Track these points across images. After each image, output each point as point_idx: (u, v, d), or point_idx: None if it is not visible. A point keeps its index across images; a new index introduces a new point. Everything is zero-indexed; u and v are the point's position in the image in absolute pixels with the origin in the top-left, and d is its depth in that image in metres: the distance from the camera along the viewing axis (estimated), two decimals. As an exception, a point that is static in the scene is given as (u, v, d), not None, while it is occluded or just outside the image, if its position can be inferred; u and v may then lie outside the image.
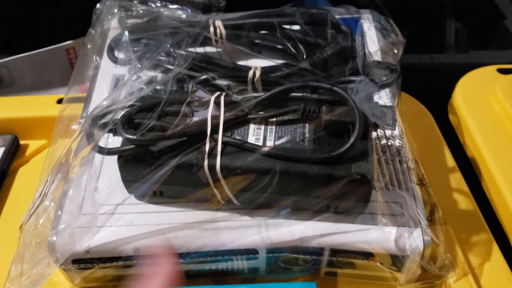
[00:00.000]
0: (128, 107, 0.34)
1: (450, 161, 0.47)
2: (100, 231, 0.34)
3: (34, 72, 0.66)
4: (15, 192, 0.46)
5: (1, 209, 0.45)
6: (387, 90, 0.38)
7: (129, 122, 0.33)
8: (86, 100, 0.42)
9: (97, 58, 0.44)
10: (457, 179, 0.45)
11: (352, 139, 0.31)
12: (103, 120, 0.33)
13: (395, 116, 0.32)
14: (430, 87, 0.58)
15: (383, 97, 0.35)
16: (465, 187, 0.45)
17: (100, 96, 0.41)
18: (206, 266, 0.37)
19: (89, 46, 0.45)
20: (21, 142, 0.51)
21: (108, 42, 0.44)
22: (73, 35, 0.66)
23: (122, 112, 0.33)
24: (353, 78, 0.35)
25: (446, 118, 0.54)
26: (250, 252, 0.35)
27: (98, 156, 0.37)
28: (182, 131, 0.32)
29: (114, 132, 0.33)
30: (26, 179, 0.48)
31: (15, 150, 0.50)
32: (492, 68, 0.56)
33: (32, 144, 0.51)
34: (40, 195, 0.34)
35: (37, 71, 0.66)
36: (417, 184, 0.36)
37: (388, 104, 0.35)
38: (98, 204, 0.35)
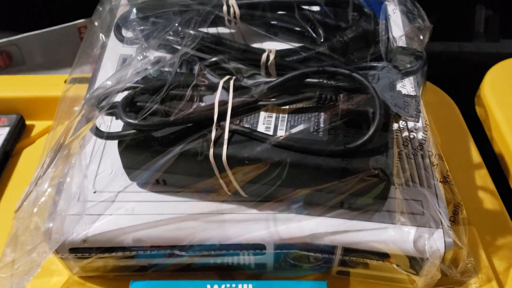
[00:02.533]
0: (131, 88, 0.31)
1: (475, 156, 0.45)
2: (99, 219, 0.32)
3: (45, 51, 0.64)
4: (19, 174, 0.45)
5: (3, 191, 0.43)
6: (411, 78, 0.35)
7: (131, 105, 0.31)
8: (90, 81, 0.40)
9: (104, 36, 0.42)
10: (482, 176, 0.43)
11: (371, 131, 0.28)
12: (104, 102, 0.31)
13: (419, 107, 0.30)
14: (457, 77, 0.55)
15: (406, 86, 0.32)
16: (491, 185, 0.42)
17: (106, 77, 0.39)
18: (210, 260, 0.35)
19: (96, 24, 0.42)
20: (27, 122, 0.50)
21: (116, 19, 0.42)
22: (86, 14, 0.64)
23: (124, 94, 0.31)
24: (374, 64, 0.32)
25: (473, 111, 0.51)
26: (257, 247, 0.33)
27: (100, 140, 0.35)
28: (187, 117, 0.30)
29: (116, 115, 0.31)
30: (31, 161, 0.46)
31: (20, 131, 0.48)
32: (525, 59, 0.53)
33: (38, 125, 0.50)
34: (35, 179, 0.32)
35: (48, 49, 0.64)
36: (440, 181, 0.33)
37: (412, 93, 0.32)
38: (98, 191, 0.33)
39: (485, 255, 0.36)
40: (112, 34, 0.42)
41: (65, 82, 0.50)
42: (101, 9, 0.43)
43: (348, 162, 0.29)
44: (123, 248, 0.33)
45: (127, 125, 0.30)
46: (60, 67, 0.64)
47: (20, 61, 0.63)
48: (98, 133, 0.31)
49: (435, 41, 0.47)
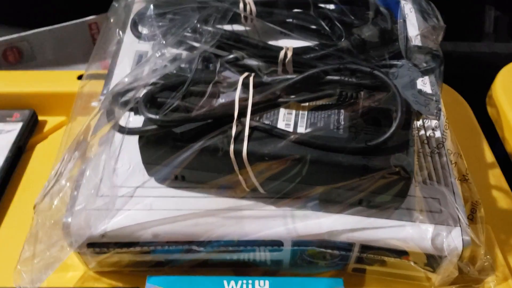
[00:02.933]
0: (151, 84, 0.32)
1: (489, 156, 0.45)
2: (117, 214, 0.32)
3: (55, 47, 0.64)
4: (32, 169, 0.45)
5: (17, 186, 0.43)
6: (429, 77, 0.35)
7: (152, 101, 0.31)
8: (107, 77, 0.40)
9: (120, 32, 0.42)
10: (496, 176, 0.43)
11: (392, 129, 0.29)
12: (125, 98, 0.31)
13: (440, 105, 0.30)
14: (468, 77, 0.55)
15: (426, 84, 0.33)
16: (504, 184, 0.42)
17: (122, 73, 0.39)
18: (227, 256, 0.35)
19: (112, 20, 0.42)
20: (40, 118, 0.50)
21: (132, 16, 0.42)
22: (96, 10, 0.64)
23: (145, 90, 0.31)
24: (394, 62, 0.32)
25: (484, 111, 0.51)
26: (274, 244, 0.33)
27: (118, 136, 0.35)
28: (208, 113, 0.30)
29: (136, 111, 0.31)
30: (44, 156, 0.47)
31: (33, 126, 0.49)
32: (536, 59, 0.53)
33: (51, 121, 0.50)
34: (55, 174, 0.32)
35: (59, 46, 0.64)
36: (459, 179, 0.33)
37: (431, 91, 0.32)
38: (117, 186, 0.33)
39: (501, 254, 0.36)
40: (128, 30, 0.42)
41: (78, 78, 0.50)
42: (116, 5, 0.43)
43: (369, 159, 0.29)
44: (141, 244, 0.33)
45: (148, 121, 0.30)
46: (70, 63, 0.64)
47: (31, 57, 0.63)
48: (120, 128, 0.31)
49: (445, 40, 0.47)
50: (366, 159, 0.29)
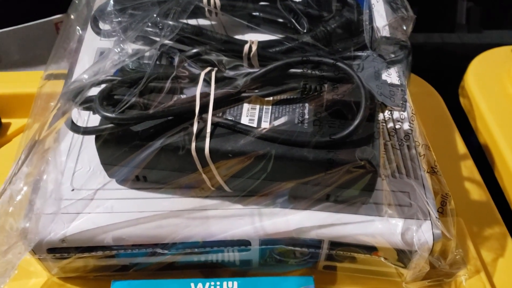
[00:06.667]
0: (108, 81, 0.30)
1: (461, 147, 0.44)
2: (77, 218, 0.31)
3: (21, 47, 0.62)
4: (-6, 173, 0.43)
5: (-22, 191, 0.42)
6: (395, 68, 0.34)
7: (108, 98, 0.30)
8: (67, 76, 0.39)
9: (80, 30, 0.40)
10: (468, 167, 0.42)
11: (356, 121, 0.28)
12: (80, 96, 0.30)
13: (405, 96, 0.29)
14: (441, 68, 0.55)
15: (392, 76, 0.32)
16: (477, 175, 0.42)
17: (83, 71, 0.38)
18: (194, 258, 0.34)
19: (72, 17, 0.41)
20: (3, 120, 0.48)
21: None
22: (63, 9, 0.62)
23: (101, 87, 0.30)
24: (359, 53, 0.32)
25: (457, 102, 0.51)
26: (242, 244, 0.32)
27: (77, 136, 0.34)
28: (167, 110, 0.29)
29: (93, 109, 0.30)
30: (7, 160, 0.44)
31: (-4, 129, 0.47)
32: (507, 49, 0.53)
33: (15, 123, 0.48)
34: (10, 177, 0.31)
35: (25, 46, 0.62)
36: (428, 172, 0.33)
37: (398, 83, 0.32)
38: (76, 189, 0.32)
39: (472, 246, 0.36)
40: (89, 27, 0.41)
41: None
42: (77, 1, 0.42)
43: (334, 153, 0.28)
44: (103, 248, 0.32)
45: (104, 119, 0.29)
46: (37, 63, 0.62)
47: (-4, 58, 0.61)
48: (75, 128, 0.30)
49: (417, 32, 0.46)
50: (332, 153, 0.28)
